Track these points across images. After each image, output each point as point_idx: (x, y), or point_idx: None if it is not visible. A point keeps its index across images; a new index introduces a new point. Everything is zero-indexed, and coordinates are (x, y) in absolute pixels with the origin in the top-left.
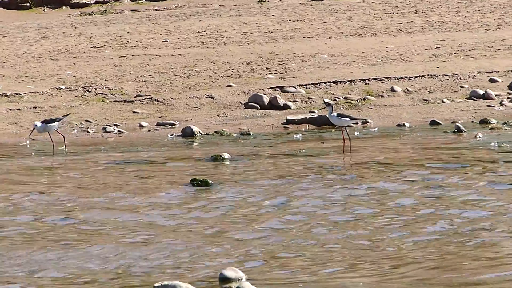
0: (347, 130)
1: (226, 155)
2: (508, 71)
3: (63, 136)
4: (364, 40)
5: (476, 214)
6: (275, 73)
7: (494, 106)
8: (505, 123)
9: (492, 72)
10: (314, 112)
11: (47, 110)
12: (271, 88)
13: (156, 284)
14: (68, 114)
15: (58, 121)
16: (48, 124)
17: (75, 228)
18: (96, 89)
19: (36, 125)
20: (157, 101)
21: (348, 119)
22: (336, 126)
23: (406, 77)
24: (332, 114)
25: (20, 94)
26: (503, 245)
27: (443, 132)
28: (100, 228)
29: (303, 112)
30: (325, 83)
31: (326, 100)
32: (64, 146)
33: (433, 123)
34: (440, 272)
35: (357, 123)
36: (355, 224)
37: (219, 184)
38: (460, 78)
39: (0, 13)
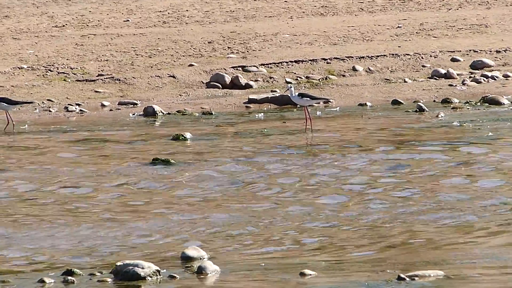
0: (309, 110)
1: (188, 135)
2: (470, 50)
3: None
4: (325, 20)
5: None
6: (237, 53)
7: (456, 86)
8: (467, 102)
9: (454, 51)
10: (276, 91)
11: (9, 90)
12: (233, 67)
13: (118, 263)
14: (32, 103)
15: (18, 104)
16: (10, 105)
17: (32, 205)
18: (58, 69)
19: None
20: (119, 80)
21: (309, 98)
22: (298, 106)
23: (368, 57)
24: (293, 94)
25: None
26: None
27: (405, 112)
28: (58, 207)
29: (265, 92)
30: (286, 62)
31: (288, 80)
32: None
33: (395, 102)
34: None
35: (319, 103)
36: (312, 200)
37: (180, 164)
38: (422, 58)
39: None
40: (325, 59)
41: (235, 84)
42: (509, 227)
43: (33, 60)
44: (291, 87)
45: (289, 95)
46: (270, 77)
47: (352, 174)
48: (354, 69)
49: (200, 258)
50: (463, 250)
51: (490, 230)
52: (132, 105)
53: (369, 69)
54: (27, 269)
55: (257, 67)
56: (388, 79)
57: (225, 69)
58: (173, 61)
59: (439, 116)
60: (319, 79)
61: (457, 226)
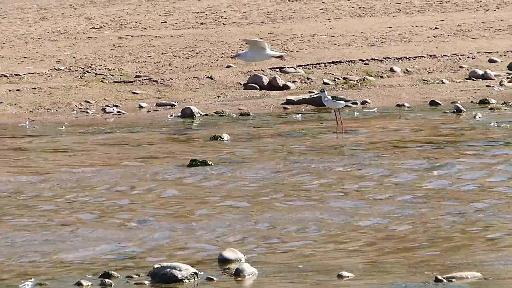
0: (340, 112)
1: (225, 136)
2: (507, 51)
3: None
4: (363, 21)
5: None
6: None
7: (493, 87)
8: (504, 103)
9: (491, 52)
10: (313, 92)
11: (46, 91)
12: (270, 68)
13: (156, 265)
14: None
15: None
16: None
17: (77, 206)
18: (95, 70)
19: None
20: (157, 81)
21: (342, 101)
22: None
23: (406, 58)
24: (326, 98)
25: (20, 75)
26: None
27: (443, 113)
28: (96, 208)
29: (303, 93)
30: (324, 63)
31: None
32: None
33: (433, 103)
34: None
35: (356, 103)
36: (355, 205)
37: (218, 165)
38: (459, 59)
39: None
40: (362, 60)
41: (272, 85)
42: None
43: (70, 62)
44: (323, 91)
45: (322, 100)
46: (308, 78)
47: (391, 173)
48: (391, 70)
49: (238, 260)
50: (500, 251)
51: None
52: (169, 107)
53: (407, 70)
54: (60, 272)
55: (294, 68)
56: (425, 80)
57: (263, 70)
58: (211, 62)
59: (477, 117)
60: (356, 80)
61: (493, 227)
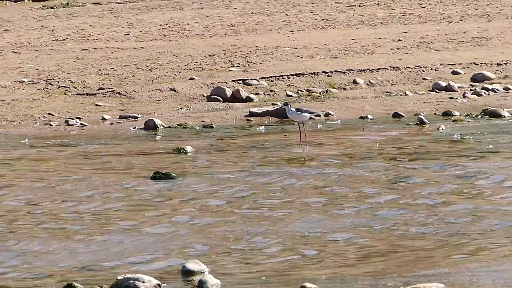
0: (303, 124)
1: (189, 148)
2: (471, 63)
3: None
4: (326, 33)
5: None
6: (237, 66)
7: (456, 98)
8: (467, 115)
9: (454, 64)
10: (276, 104)
11: (9, 103)
12: (233, 80)
13: (119, 277)
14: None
15: None
16: None
17: (34, 219)
18: (58, 82)
19: None
20: (120, 94)
21: (307, 114)
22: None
23: (369, 70)
24: (290, 111)
25: None
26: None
27: (406, 124)
28: (58, 221)
29: (266, 105)
30: (287, 75)
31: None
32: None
33: (396, 115)
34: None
35: (319, 116)
36: (318, 217)
37: (181, 177)
38: (423, 71)
39: None
40: (326, 72)
41: (236, 98)
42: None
43: (33, 74)
44: (286, 104)
45: (286, 113)
46: (271, 91)
47: (343, 184)
48: (355, 82)
49: (201, 272)
50: (464, 263)
51: (493, 246)
52: (132, 119)
53: (370, 82)
54: (28, 284)
55: (258, 81)
56: (389, 92)
57: (226, 83)
58: (174, 74)
59: (440, 129)
60: (320, 92)
61: (458, 239)
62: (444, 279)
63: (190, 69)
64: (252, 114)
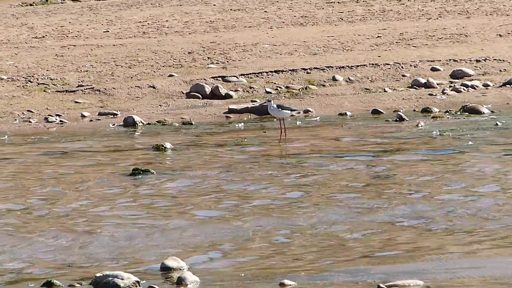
0: (284, 121)
1: (168, 145)
2: (450, 60)
3: None
4: (305, 30)
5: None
6: (216, 63)
7: (436, 95)
8: (447, 111)
9: (433, 61)
10: (255, 101)
11: None
12: (212, 77)
13: (98, 274)
14: None
15: None
16: None
17: (9, 217)
18: (38, 80)
19: None
20: (99, 91)
21: (289, 111)
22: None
23: (348, 66)
24: (272, 107)
25: None
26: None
27: (385, 121)
28: (37, 219)
29: (245, 102)
30: (266, 72)
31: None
32: None
33: (375, 112)
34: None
35: (299, 113)
36: (298, 214)
37: (160, 173)
38: (402, 67)
39: None
40: (305, 69)
41: (215, 94)
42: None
43: (12, 71)
44: (269, 100)
45: (268, 109)
46: (250, 87)
47: (321, 180)
48: (334, 79)
49: (180, 269)
50: (443, 260)
51: (472, 240)
52: (112, 116)
53: (349, 79)
54: (4, 280)
55: (237, 77)
56: (368, 89)
57: (205, 79)
58: (153, 71)
59: (419, 125)
60: (299, 89)
61: (437, 235)
62: (422, 276)
63: (169, 66)
64: (231, 111)
